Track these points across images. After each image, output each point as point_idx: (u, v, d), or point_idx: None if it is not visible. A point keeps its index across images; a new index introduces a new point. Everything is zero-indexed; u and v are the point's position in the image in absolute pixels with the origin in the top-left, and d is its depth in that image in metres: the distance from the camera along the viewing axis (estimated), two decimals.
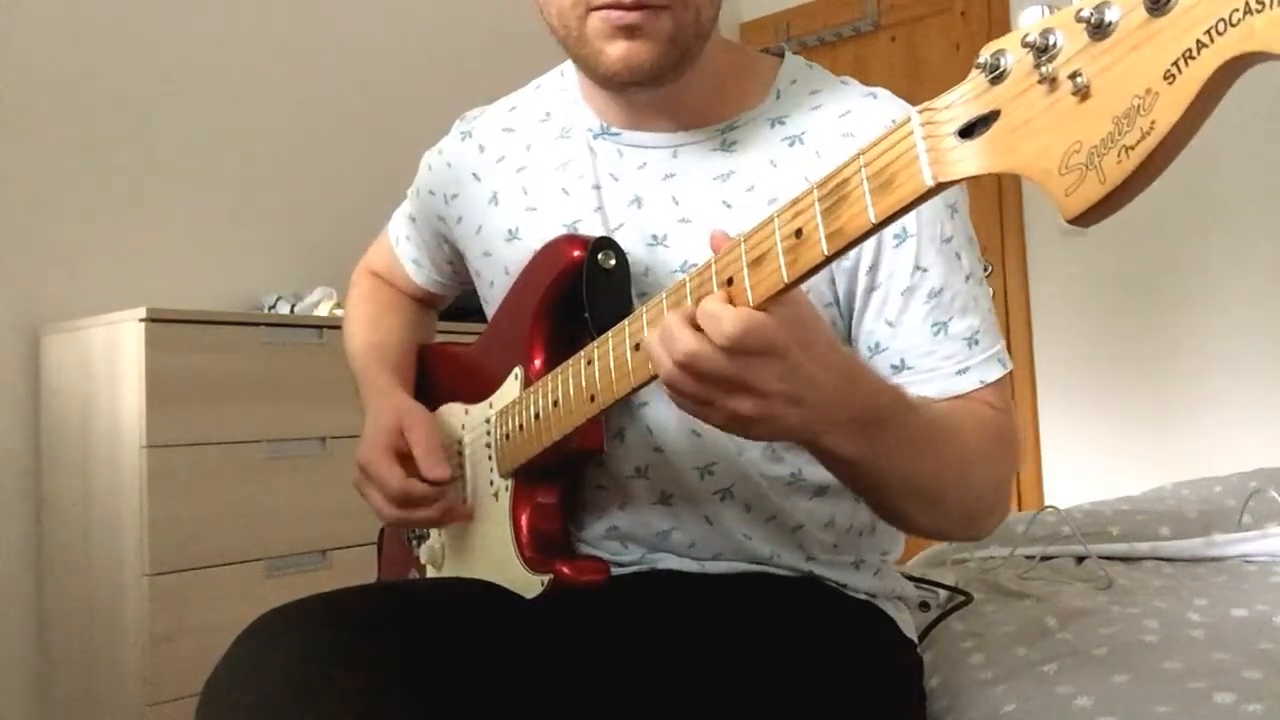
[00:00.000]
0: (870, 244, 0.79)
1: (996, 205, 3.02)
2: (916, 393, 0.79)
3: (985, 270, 0.85)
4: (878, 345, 0.81)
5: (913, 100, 0.84)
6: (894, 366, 0.80)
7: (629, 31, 0.76)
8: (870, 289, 0.80)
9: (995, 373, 0.80)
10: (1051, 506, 1.53)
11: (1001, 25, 3.02)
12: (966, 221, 0.84)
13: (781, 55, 0.90)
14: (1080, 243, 2.83)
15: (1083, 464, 2.83)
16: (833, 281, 0.81)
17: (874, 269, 0.80)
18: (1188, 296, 2.71)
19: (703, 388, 0.60)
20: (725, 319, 0.58)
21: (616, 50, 0.77)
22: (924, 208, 0.78)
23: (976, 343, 0.80)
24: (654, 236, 0.84)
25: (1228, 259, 2.64)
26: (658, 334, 0.62)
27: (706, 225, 0.82)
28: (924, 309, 0.79)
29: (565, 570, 0.81)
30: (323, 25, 2.52)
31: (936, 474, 0.73)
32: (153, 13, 2.22)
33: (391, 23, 2.67)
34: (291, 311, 2.17)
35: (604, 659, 0.76)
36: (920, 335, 0.79)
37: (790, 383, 0.60)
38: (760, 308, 0.59)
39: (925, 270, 0.79)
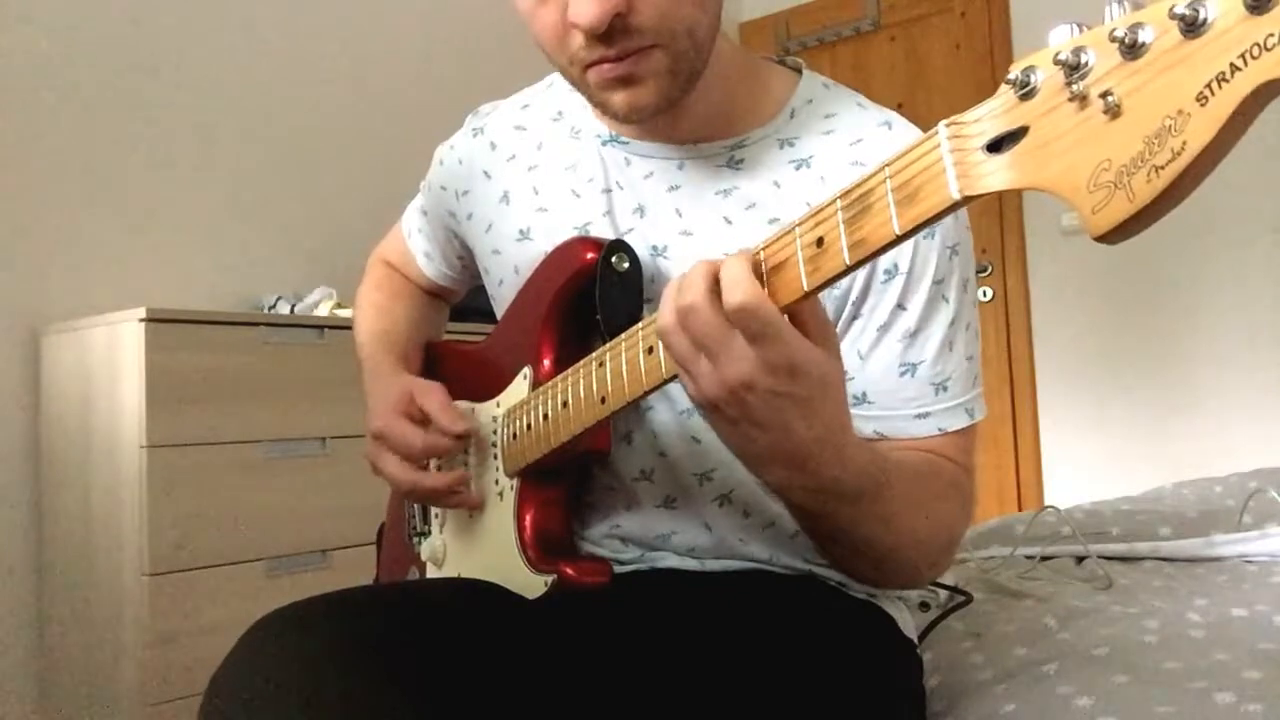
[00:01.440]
0: (862, 275, 0.79)
1: (997, 205, 3.03)
2: (871, 429, 0.79)
3: (985, 271, 0.85)
4: (845, 374, 0.81)
5: (913, 99, 0.84)
6: (854, 398, 0.80)
7: (625, 81, 0.76)
8: (853, 318, 0.80)
9: (959, 422, 0.80)
10: (1051, 506, 1.54)
11: (1001, 25, 3.02)
12: (968, 263, 0.83)
13: (799, 70, 0.89)
14: (1080, 243, 2.84)
15: (1083, 464, 2.84)
16: (823, 307, 0.81)
17: (860, 300, 0.80)
18: (1187, 296, 2.72)
19: (690, 347, 0.59)
20: (741, 286, 0.56)
21: (619, 99, 0.77)
22: (921, 246, 0.78)
23: (945, 389, 0.79)
24: (654, 247, 0.84)
25: (1227, 259, 2.66)
26: (677, 281, 0.60)
27: (707, 239, 0.83)
28: (896, 347, 0.79)
29: (569, 571, 0.81)
30: (323, 26, 2.52)
31: (894, 544, 0.72)
32: (153, 13, 2.22)
33: (392, 23, 2.66)
34: (291, 311, 2.17)
35: (606, 659, 0.76)
36: (887, 373, 0.79)
37: (769, 405, 0.58)
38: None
39: (905, 309, 0.79)
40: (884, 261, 0.78)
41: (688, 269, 0.60)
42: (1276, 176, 2.58)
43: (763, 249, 0.60)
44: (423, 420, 0.88)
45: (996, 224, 3.03)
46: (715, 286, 0.58)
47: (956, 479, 0.78)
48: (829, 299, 0.80)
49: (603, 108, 0.79)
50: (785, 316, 0.58)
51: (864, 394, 0.80)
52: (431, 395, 0.89)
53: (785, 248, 0.57)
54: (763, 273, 0.58)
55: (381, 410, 0.91)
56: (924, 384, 0.79)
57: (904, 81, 3.18)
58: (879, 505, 0.67)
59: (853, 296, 0.80)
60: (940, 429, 0.79)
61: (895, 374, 0.79)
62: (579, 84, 0.79)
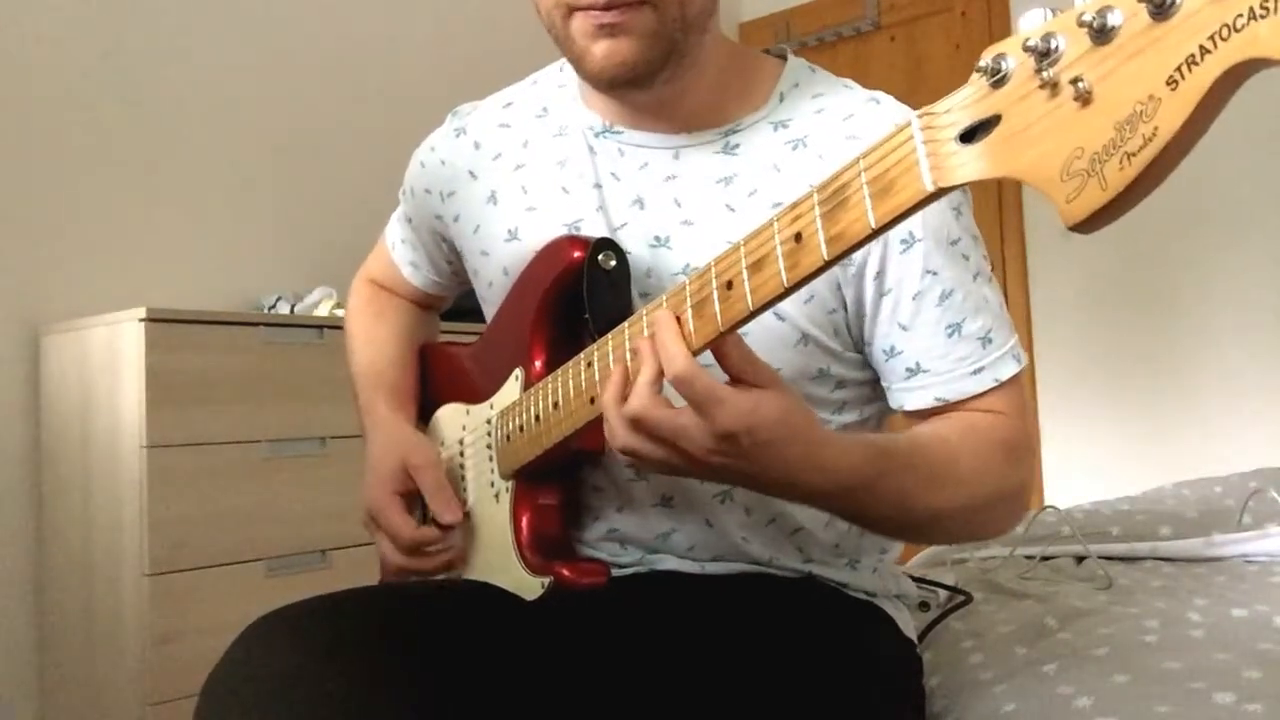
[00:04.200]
0: (876, 250, 0.79)
1: (996, 207, 3.02)
2: (933, 395, 0.80)
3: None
4: (892, 349, 0.81)
5: (913, 100, 0.84)
6: (909, 370, 0.80)
7: (610, 30, 0.76)
8: (880, 294, 0.80)
9: (1009, 369, 0.81)
10: (1051, 506, 1.53)
11: (1002, 25, 3.01)
12: (971, 221, 0.84)
13: (784, 57, 0.89)
14: (1080, 243, 2.83)
15: (1083, 464, 2.83)
16: (838, 288, 0.81)
17: (881, 275, 0.80)
18: (1187, 297, 2.70)
19: (656, 448, 0.65)
20: (677, 359, 0.62)
21: (600, 49, 0.77)
22: (929, 212, 0.79)
23: (990, 341, 0.80)
24: (656, 238, 0.84)
25: (1226, 259, 2.64)
26: (611, 394, 0.67)
27: (709, 228, 0.82)
28: (936, 312, 0.79)
29: (565, 573, 0.81)
30: (321, 25, 2.52)
31: (928, 517, 0.75)
32: (151, 14, 2.22)
33: (389, 22, 2.66)
34: (291, 311, 2.17)
35: (604, 661, 0.76)
36: (935, 338, 0.80)
37: (743, 458, 0.64)
38: (747, 382, 0.63)
39: (935, 274, 0.79)
40: (898, 231, 0.79)
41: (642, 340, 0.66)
42: (1277, 177, 2.57)
43: (744, 244, 0.59)
44: (416, 493, 0.92)
45: (996, 226, 3.02)
46: (656, 380, 0.64)
47: (1001, 436, 0.79)
48: (846, 281, 0.80)
49: (582, 61, 0.80)
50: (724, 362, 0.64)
51: (917, 364, 0.80)
52: (426, 473, 0.91)
53: (765, 244, 0.57)
54: (686, 318, 0.64)
55: (375, 486, 0.93)
56: (971, 341, 0.80)
57: (904, 81, 3.17)
58: (894, 485, 0.71)
59: (871, 274, 0.80)
60: (996, 380, 0.80)
61: (943, 337, 0.80)
62: (562, 33, 0.80)
